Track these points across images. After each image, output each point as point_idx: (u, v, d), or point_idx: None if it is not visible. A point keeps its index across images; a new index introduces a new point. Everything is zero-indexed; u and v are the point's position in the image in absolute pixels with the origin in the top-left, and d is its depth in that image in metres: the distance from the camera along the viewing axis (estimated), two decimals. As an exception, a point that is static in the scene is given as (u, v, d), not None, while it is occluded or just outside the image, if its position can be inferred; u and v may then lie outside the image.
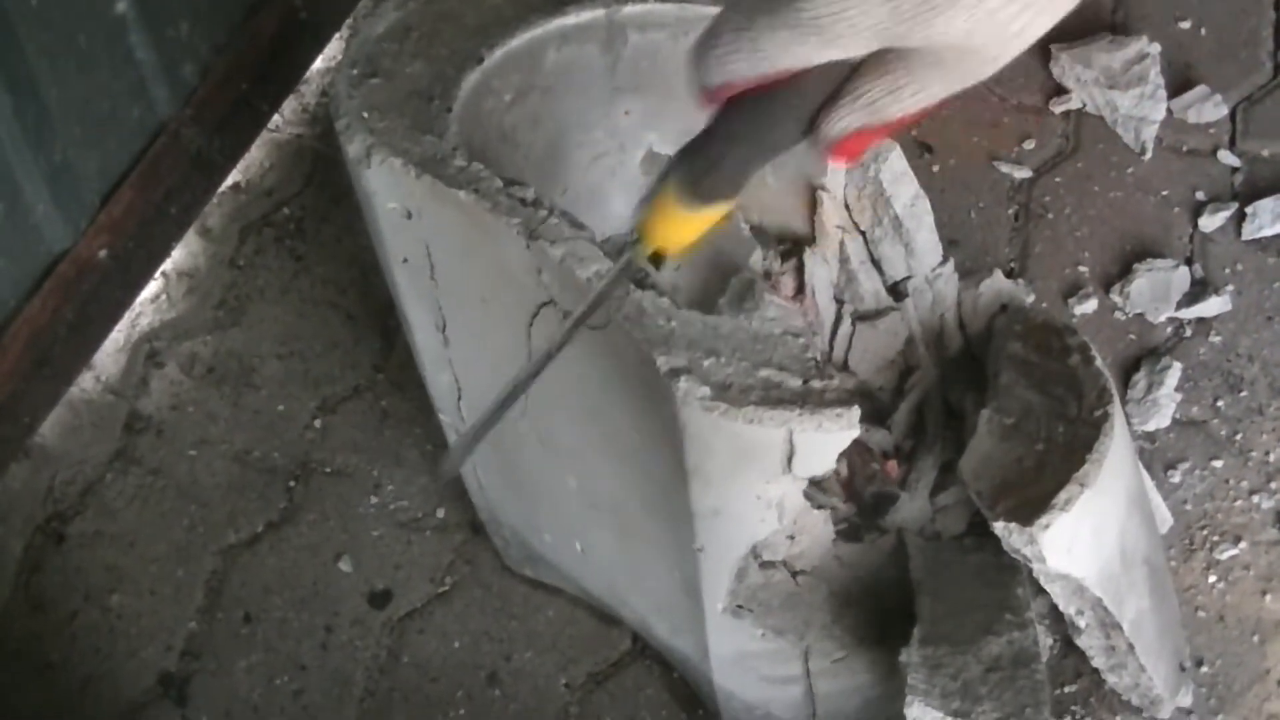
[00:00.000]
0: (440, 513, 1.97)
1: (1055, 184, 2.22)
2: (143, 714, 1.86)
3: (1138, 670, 1.63)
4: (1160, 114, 2.24)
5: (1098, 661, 1.64)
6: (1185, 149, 2.24)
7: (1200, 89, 2.28)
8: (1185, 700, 1.73)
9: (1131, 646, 1.59)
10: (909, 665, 1.50)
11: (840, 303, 1.78)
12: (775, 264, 1.77)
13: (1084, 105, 2.28)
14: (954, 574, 1.62)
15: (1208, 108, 2.26)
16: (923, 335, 1.77)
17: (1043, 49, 2.32)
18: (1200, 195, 2.19)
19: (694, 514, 1.45)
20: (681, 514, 1.47)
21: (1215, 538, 1.88)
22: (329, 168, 2.27)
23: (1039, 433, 1.59)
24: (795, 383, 1.38)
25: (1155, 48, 2.28)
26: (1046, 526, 1.46)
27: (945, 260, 1.76)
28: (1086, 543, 1.51)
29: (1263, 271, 2.11)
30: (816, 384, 1.38)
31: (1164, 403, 1.99)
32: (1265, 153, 2.23)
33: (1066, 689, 1.77)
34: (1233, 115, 2.27)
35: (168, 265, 2.15)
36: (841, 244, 1.74)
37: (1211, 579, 1.86)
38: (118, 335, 2.10)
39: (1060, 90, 2.30)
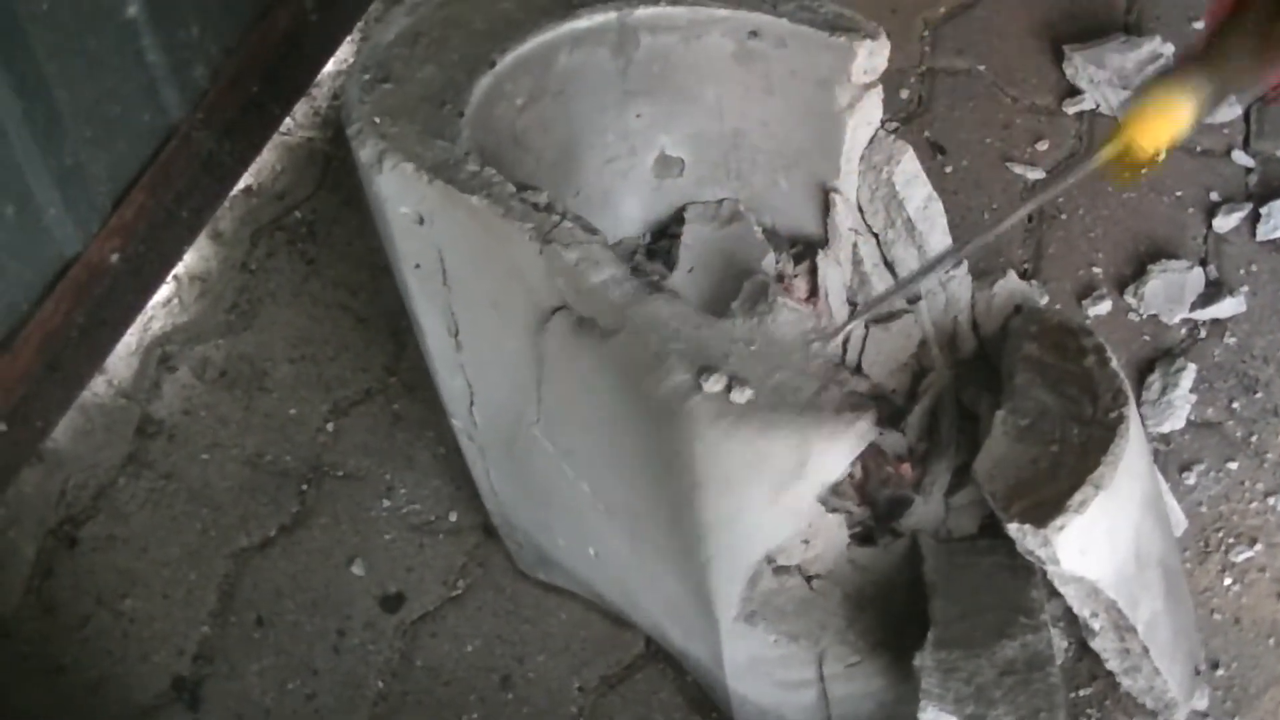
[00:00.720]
0: (453, 516, 1.97)
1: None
2: (155, 718, 1.85)
3: (1152, 673, 1.62)
4: (1173, 115, 2.23)
5: (1112, 664, 1.64)
6: (1199, 150, 2.23)
7: (1214, 88, 2.27)
8: (1201, 703, 1.73)
9: (1146, 649, 1.59)
10: (923, 669, 1.50)
11: (854, 305, 1.77)
12: (788, 267, 1.77)
13: (1097, 106, 2.28)
14: (968, 576, 1.62)
15: (1222, 108, 2.25)
16: (936, 337, 1.77)
17: (1055, 49, 2.32)
18: (1214, 196, 2.19)
19: (703, 524, 1.45)
20: (691, 524, 1.46)
21: (1230, 540, 1.88)
22: (340, 171, 2.27)
23: (1053, 434, 1.58)
24: (810, 388, 1.38)
25: (1169, 48, 2.27)
26: (1061, 528, 1.46)
27: (958, 262, 1.75)
28: (1101, 545, 1.50)
29: (1277, 272, 2.10)
30: (832, 390, 1.38)
31: (1179, 404, 1.98)
32: (1279, 153, 2.22)
33: (1081, 692, 1.76)
34: (1246, 116, 2.26)
35: (179, 269, 2.15)
36: (855, 246, 1.74)
37: (1227, 581, 1.85)
38: (130, 339, 2.10)
39: (1073, 91, 2.29)
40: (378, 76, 1.58)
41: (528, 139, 1.65)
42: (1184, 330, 2.06)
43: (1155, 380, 2.01)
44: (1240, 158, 2.22)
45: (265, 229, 2.22)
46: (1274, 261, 2.11)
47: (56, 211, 1.90)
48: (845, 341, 1.77)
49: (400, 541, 1.96)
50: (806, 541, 1.56)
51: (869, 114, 1.69)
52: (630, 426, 1.49)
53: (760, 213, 1.81)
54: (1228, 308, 2.06)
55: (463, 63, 1.59)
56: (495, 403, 1.65)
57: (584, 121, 1.71)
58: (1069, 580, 1.51)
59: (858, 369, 1.77)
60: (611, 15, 1.65)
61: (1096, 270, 2.13)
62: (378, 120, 1.53)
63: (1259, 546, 1.87)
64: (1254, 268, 2.10)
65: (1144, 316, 2.08)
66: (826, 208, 1.74)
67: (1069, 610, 1.58)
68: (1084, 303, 2.09)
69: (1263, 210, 2.15)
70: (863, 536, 1.66)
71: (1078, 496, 1.47)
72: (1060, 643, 1.74)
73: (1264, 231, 2.13)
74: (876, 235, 1.74)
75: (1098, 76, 2.25)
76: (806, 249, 1.78)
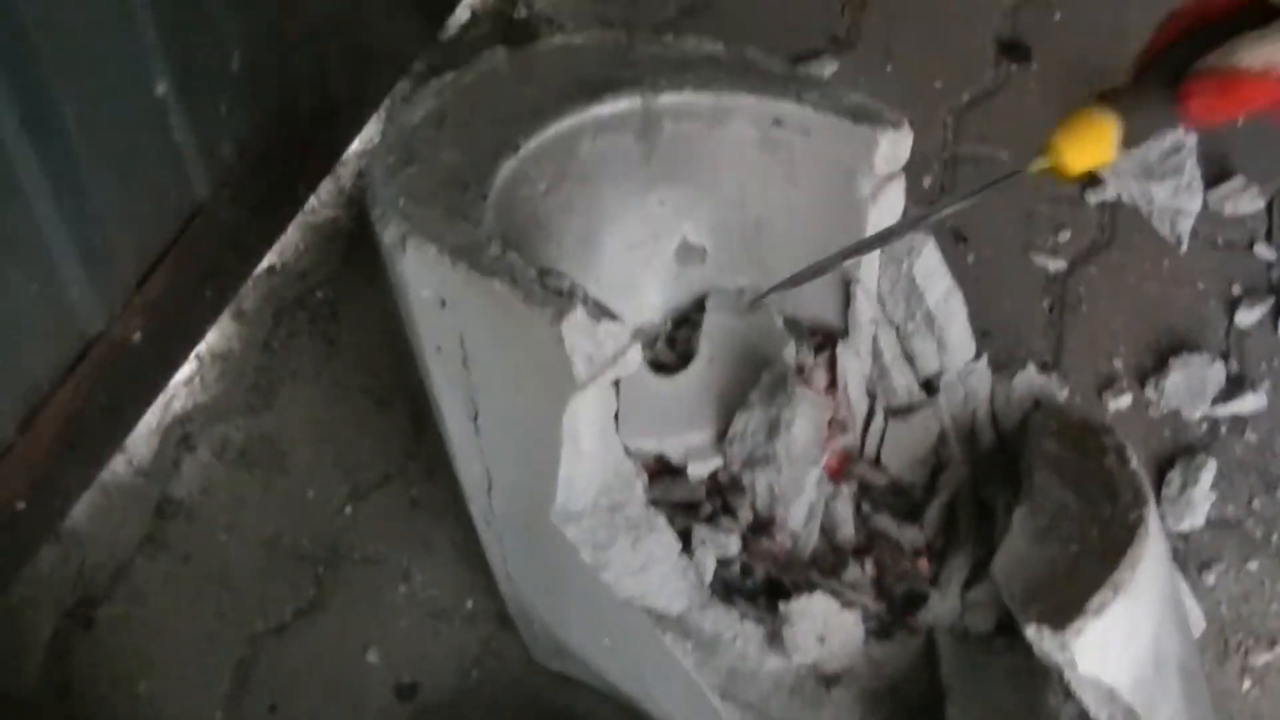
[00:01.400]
0: (469, 603, 1.96)
1: (1090, 275, 2.21)
2: (167, 803, 1.85)
3: (1170, 777, 1.60)
4: (1197, 206, 2.23)
5: (1130, 768, 1.62)
6: (1221, 242, 2.22)
7: (1237, 179, 2.27)
8: (1219, 808, 1.71)
9: (1164, 754, 1.57)
10: (939, 772, 1.49)
11: (873, 397, 1.77)
12: (808, 358, 1.77)
13: (1120, 196, 2.28)
14: (984, 677, 1.60)
15: (1244, 199, 2.25)
16: (955, 431, 1.76)
17: (1079, 139, 2.31)
18: (1236, 289, 2.18)
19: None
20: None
21: (1250, 642, 1.86)
22: (363, 250, 2.27)
23: (1073, 534, 1.57)
24: None
25: (1192, 138, 2.27)
26: (1079, 632, 1.44)
27: (978, 356, 1.75)
28: (1119, 648, 1.49)
29: (1300, 368, 2.10)
30: None
31: (1199, 502, 1.97)
32: (1302, 248, 2.22)
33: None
34: (1269, 208, 2.26)
35: (201, 347, 2.15)
36: (875, 338, 1.74)
37: (1246, 685, 1.84)
38: (150, 418, 2.10)
39: (1095, 180, 2.29)
40: (402, 159, 1.59)
41: (550, 223, 1.66)
42: (1205, 426, 2.05)
43: (1175, 477, 2.00)
44: (1263, 251, 2.21)
45: (288, 308, 2.22)
46: (1296, 357, 2.11)
47: (80, 289, 1.90)
48: (864, 433, 1.76)
49: (416, 628, 1.95)
50: (821, 639, 1.56)
51: (891, 204, 1.69)
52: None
53: (782, 302, 1.81)
54: (1249, 403, 2.05)
55: (487, 146, 1.60)
56: (513, 488, 1.65)
57: (607, 207, 1.71)
58: (1086, 684, 1.49)
59: (876, 461, 1.76)
60: (636, 101, 1.66)
61: (1117, 363, 2.12)
62: (402, 203, 1.54)
63: (1279, 649, 1.85)
64: (1276, 363, 2.10)
65: (1164, 411, 2.07)
66: (848, 299, 1.74)
67: (1084, 714, 1.56)
68: (1104, 395, 2.08)
69: (1285, 305, 2.15)
70: (879, 631, 1.64)
71: (1096, 600, 1.46)
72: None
73: (1287, 326, 2.13)
74: (896, 327, 1.74)
75: (1120, 166, 2.25)
76: (827, 339, 1.77)
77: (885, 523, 1.72)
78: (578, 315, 1.39)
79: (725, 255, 1.80)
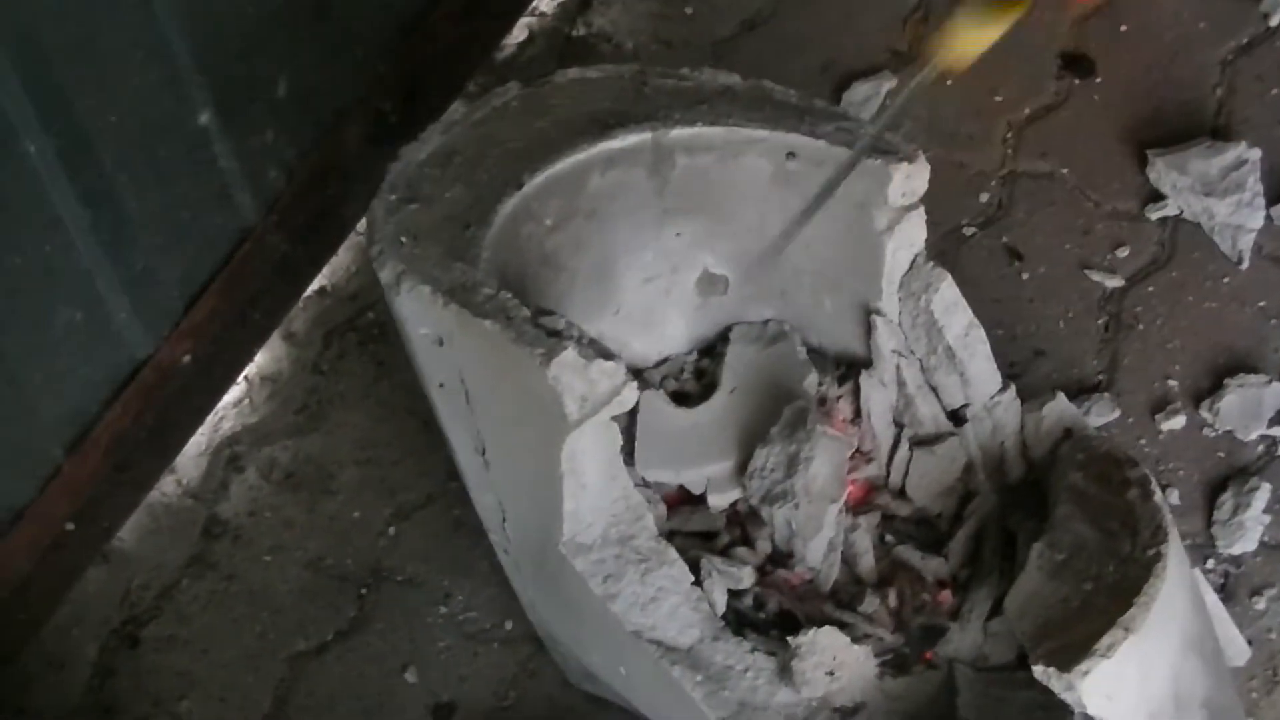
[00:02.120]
0: (508, 625, 1.97)
1: (1148, 293, 2.16)
2: (205, 823, 1.88)
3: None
4: (1258, 222, 2.17)
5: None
6: (1283, 258, 2.17)
7: (1301, 195, 2.22)
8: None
9: (1187, 792, 1.53)
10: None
11: (899, 426, 1.75)
12: (832, 389, 1.75)
13: (1180, 212, 2.22)
14: (1003, 713, 1.58)
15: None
16: (983, 461, 1.73)
17: (1139, 154, 2.27)
18: (1298, 308, 2.12)
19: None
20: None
21: (1301, 670, 1.82)
22: (417, 270, 2.28)
23: (1089, 571, 1.54)
24: None
25: (1255, 153, 2.21)
26: (1086, 673, 1.42)
27: (1005, 388, 1.72)
28: (1132, 688, 1.46)
29: (1360, 387, 2.04)
30: None
31: (1251, 526, 1.93)
32: (1365, 264, 2.16)
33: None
34: (1332, 226, 2.20)
35: (250, 370, 2.18)
36: (898, 368, 1.72)
37: (1294, 714, 1.80)
38: (199, 439, 2.13)
39: (1156, 196, 2.24)
40: (405, 196, 1.60)
41: (559, 259, 1.66)
42: (1260, 448, 2.00)
43: (1227, 499, 1.95)
44: (1328, 268, 2.16)
45: (338, 330, 2.24)
46: (1357, 375, 2.05)
47: (126, 315, 1.94)
48: (889, 463, 1.74)
49: (454, 649, 1.96)
50: (831, 673, 1.54)
51: (910, 236, 1.67)
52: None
53: (807, 333, 1.79)
54: (1306, 424, 2.00)
55: (492, 183, 1.60)
56: (525, 520, 1.66)
57: (621, 240, 1.71)
58: (1107, 720, 1.47)
59: (901, 491, 1.74)
60: (646, 135, 1.65)
61: (1172, 383, 2.08)
62: (403, 241, 1.54)
63: (1328, 678, 1.81)
64: (1336, 383, 2.04)
65: (1219, 432, 2.02)
66: (870, 329, 1.72)
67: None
68: (1157, 417, 2.04)
69: (1347, 323, 2.09)
70: (896, 665, 1.63)
71: (1106, 640, 1.43)
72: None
73: (1347, 345, 2.07)
74: (920, 360, 1.71)
75: (1180, 182, 2.20)
76: (851, 370, 1.76)
77: (909, 554, 1.70)
78: (568, 356, 1.39)
79: (748, 287, 1.79)
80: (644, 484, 1.71)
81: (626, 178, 1.66)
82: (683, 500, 1.74)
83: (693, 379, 1.81)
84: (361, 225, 2.30)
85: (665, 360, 1.82)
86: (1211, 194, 2.19)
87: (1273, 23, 2.39)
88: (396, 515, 2.07)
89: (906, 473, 1.73)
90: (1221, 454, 2.01)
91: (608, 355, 1.44)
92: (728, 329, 1.82)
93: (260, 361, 2.20)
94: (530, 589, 1.77)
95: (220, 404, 2.15)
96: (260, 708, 1.94)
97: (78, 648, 1.99)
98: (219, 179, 2.03)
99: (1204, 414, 2.04)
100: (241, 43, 1.97)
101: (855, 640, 1.57)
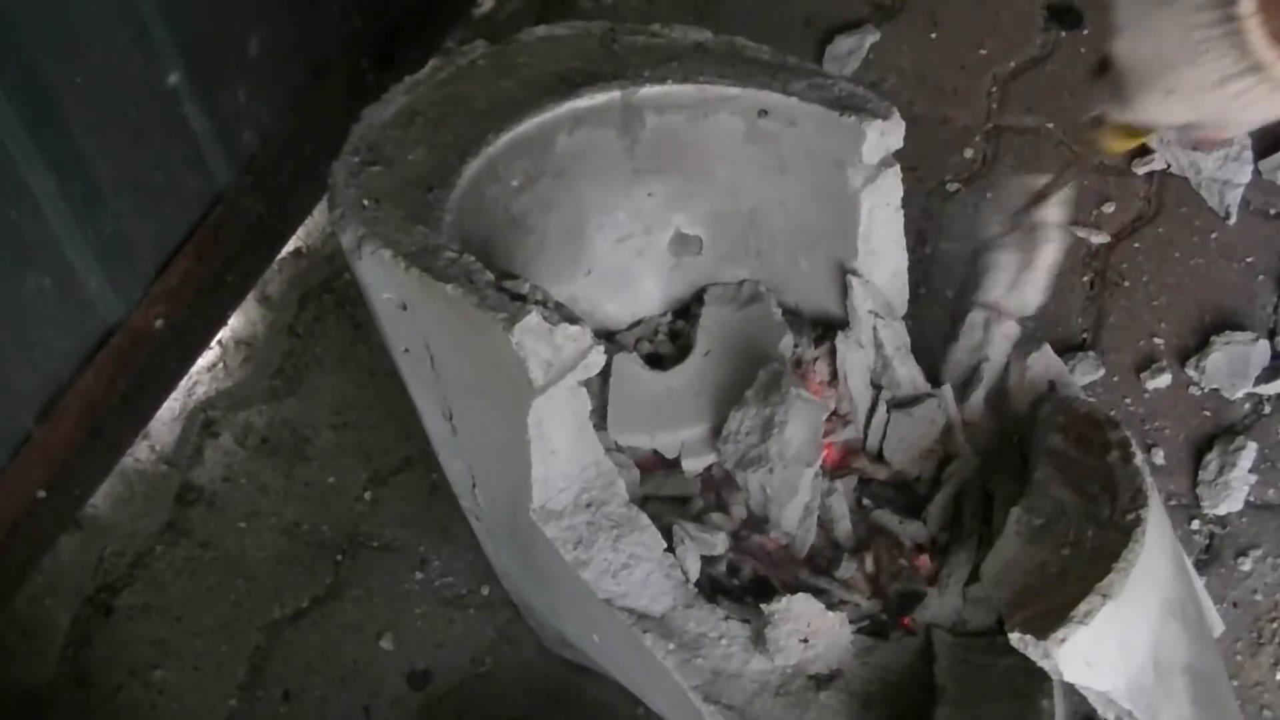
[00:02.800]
0: (484, 590, 1.95)
1: (1134, 250, 2.13)
2: (181, 791, 1.86)
3: (1182, 780, 1.54)
4: (1246, 176, 2.14)
5: (1141, 769, 1.56)
6: (1272, 213, 2.13)
7: (1288, 149, 2.18)
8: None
9: (1171, 758, 1.51)
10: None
11: (877, 388, 1.72)
12: (809, 350, 1.72)
13: (1168, 166, 2.19)
14: (980, 680, 1.55)
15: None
16: (963, 423, 1.70)
17: (1125, 108, 2.23)
18: (1288, 263, 2.09)
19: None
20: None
21: (1285, 631, 1.80)
22: (396, 231, 2.25)
23: (1067, 536, 1.51)
24: None
25: (1242, 106, 2.17)
26: (1063, 640, 1.38)
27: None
28: (1111, 655, 1.43)
29: (1349, 346, 2.01)
30: None
31: (1237, 485, 1.90)
32: (1357, 220, 2.12)
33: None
34: (1324, 182, 2.16)
35: (225, 333, 2.16)
36: (875, 329, 1.69)
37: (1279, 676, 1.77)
38: (173, 404, 2.11)
39: (1144, 150, 2.20)
40: (367, 159, 1.56)
41: (527, 220, 1.62)
42: (1247, 406, 1.98)
43: (1213, 459, 1.93)
44: (1317, 222, 2.13)
45: (314, 292, 2.22)
46: (1346, 334, 2.02)
47: (97, 281, 1.91)
48: (867, 426, 1.71)
49: (431, 616, 1.94)
50: (805, 640, 1.52)
51: (886, 194, 1.63)
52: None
53: (783, 293, 1.76)
54: (1293, 383, 1.97)
55: (456, 144, 1.57)
56: (495, 487, 1.63)
57: (591, 200, 1.68)
58: (1085, 688, 1.44)
59: (879, 455, 1.71)
60: (615, 94, 1.61)
61: (1158, 341, 2.05)
62: (365, 204, 1.51)
63: (1314, 639, 1.79)
64: (1324, 340, 2.01)
65: (1205, 391, 1.99)
66: (846, 289, 1.69)
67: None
68: (1143, 375, 2.01)
69: (1338, 280, 2.06)
70: (873, 631, 1.60)
71: (1083, 606, 1.40)
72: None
73: (1337, 303, 2.04)
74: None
75: (1167, 136, 2.16)
76: (828, 331, 1.73)
77: (886, 518, 1.67)
78: (532, 320, 1.36)
79: (722, 246, 1.76)
80: (617, 448, 1.68)
81: (595, 137, 1.63)
82: (657, 465, 1.71)
83: (667, 341, 1.78)
84: (337, 186, 2.28)
85: (639, 322, 1.79)
86: (1198, 149, 2.15)
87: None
88: (373, 480, 2.05)
89: (884, 435, 1.70)
90: (1208, 412, 1.98)
91: (573, 319, 1.40)
92: (702, 290, 1.79)
93: (235, 325, 2.17)
94: (503, 556, 1.75)
95: (194, 369, 2.12)
96: (235, 676, 1.92)
97: (51, 617, 1.97)
98: (191, 141, 2.00)
99: (1190, 372, 2.01)
100: (211, 2, 1.94)
101: (831, 607, 1.54)
